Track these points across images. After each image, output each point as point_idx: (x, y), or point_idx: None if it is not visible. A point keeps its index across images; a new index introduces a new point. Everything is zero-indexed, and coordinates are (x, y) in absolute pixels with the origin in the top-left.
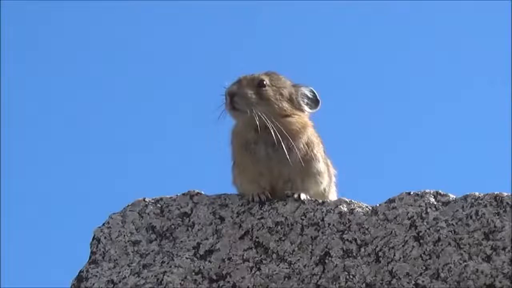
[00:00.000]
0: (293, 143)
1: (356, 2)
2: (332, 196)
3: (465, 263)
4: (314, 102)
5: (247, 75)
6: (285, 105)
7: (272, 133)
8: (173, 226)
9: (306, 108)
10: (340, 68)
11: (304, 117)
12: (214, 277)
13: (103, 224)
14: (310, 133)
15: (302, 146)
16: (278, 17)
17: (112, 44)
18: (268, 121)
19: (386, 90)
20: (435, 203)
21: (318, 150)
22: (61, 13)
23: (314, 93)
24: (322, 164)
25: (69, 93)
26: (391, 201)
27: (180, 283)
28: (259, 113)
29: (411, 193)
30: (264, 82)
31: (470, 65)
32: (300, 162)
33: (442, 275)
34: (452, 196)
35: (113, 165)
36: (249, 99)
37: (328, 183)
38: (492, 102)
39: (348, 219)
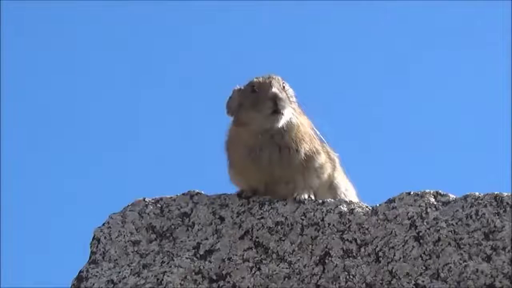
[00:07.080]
0: (298, 144)
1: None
2: (340, 177)
3: (465, 263)
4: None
5: (272, 76)
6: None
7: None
8: (173, 226)
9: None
10: (340, 69)
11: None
12: (214, 277)
13: (103, 224)
14: (305, 126)
15: (305, 143)
16: (278, 15)
17: (111, 44)
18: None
19: (386, 89)
20: (435, 203)
21: (316, 141)
22: (61, 13)
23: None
24: (322, 155)
25: (69, 92)
26: (391, 201)
27: (180, 283)
28: (294, 114)
29: (411, 193)
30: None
31: (470, 64)
32: (303, 161)
33: (442, 275)
34: (452, 196)
35: (113, 165)
36: (287, 102)
37: (332, 169)
38: (492, 101)
39: (348, 219)
